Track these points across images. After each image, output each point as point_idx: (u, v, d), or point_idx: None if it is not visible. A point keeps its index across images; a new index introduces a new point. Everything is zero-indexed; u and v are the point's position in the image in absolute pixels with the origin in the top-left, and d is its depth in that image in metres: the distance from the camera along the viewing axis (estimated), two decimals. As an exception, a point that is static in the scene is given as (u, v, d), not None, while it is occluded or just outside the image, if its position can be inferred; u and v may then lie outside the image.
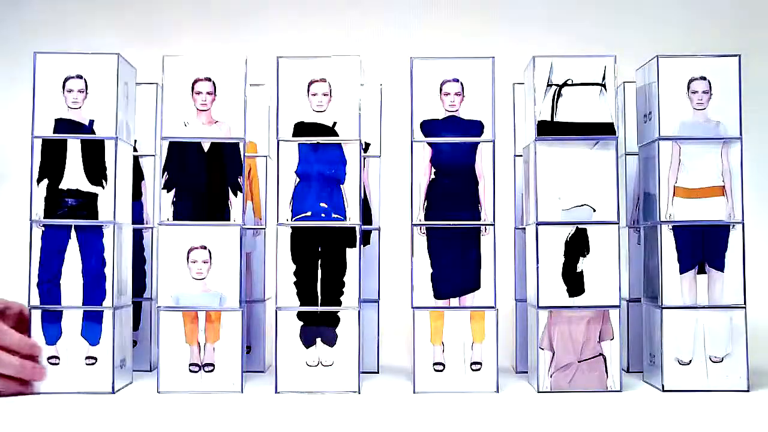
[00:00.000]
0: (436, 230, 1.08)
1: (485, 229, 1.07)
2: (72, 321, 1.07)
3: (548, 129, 1.07)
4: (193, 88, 1.09)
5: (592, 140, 1.07)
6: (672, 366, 1.07)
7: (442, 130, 1.08)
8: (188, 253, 1.07)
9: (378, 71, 1.25)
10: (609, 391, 1.06)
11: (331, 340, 1.07)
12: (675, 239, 1.07)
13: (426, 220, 1.08)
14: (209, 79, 1.09)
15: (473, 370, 1.07)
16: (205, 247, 1.07)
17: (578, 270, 1.07)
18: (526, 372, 1.15)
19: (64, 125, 1.07)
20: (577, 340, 1.07)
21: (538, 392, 1.06)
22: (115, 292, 1.07)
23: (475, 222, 1.07)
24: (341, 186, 1.08)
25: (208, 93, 1.09)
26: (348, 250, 1.08)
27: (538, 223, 1.07)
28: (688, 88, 1.08)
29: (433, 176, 1.08)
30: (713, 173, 1.08)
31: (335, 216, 1.08)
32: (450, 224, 1.07)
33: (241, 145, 1.08)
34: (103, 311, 1.07)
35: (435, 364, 1.07)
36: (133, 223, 1.16)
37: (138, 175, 1.23)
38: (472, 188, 1.07)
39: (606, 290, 1.06)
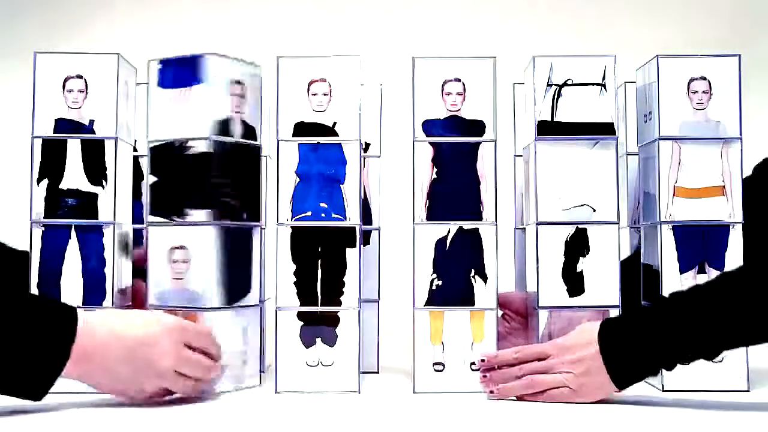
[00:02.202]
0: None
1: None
2: (72, 321, 1.06)
3: (548, 129, 1.07)
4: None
5: (592, 140, 1.07)
6: (672, 366, 1.07)
7: (443, 130, 1.08)
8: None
9: (378, 71, 1.25)
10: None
11: (331, 340, 1.07)
12: (675, 239, 1.07)
13: (427, 219, 1.07)
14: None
15: (473, 370, 1.07)
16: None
17: (578, 270, 1.07)
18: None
19: (64, 125, 1.07)
20: None
21: None
22: (115, 292, 1.07)
23: (476, 222, 1.07)
24: (341, 186, 1.08)
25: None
26: (348, 250, 1.08)
27: (538, 223, 1.07)
28: (688, 88, 1.08)
29: (434, 176, 1.08)
30: (713, 173, 1.08)
31: (335, 216, 1.08)
32: (450, 224, 1.07)
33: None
34: (103, 311, 1.07)
35: (435, 364, 1.07)
36: (133, 223, 1.16)
37: (138, 175, 1.23)
38: (473, 188, 1.07)
39: (606, 290, 1.06)
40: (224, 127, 1.06)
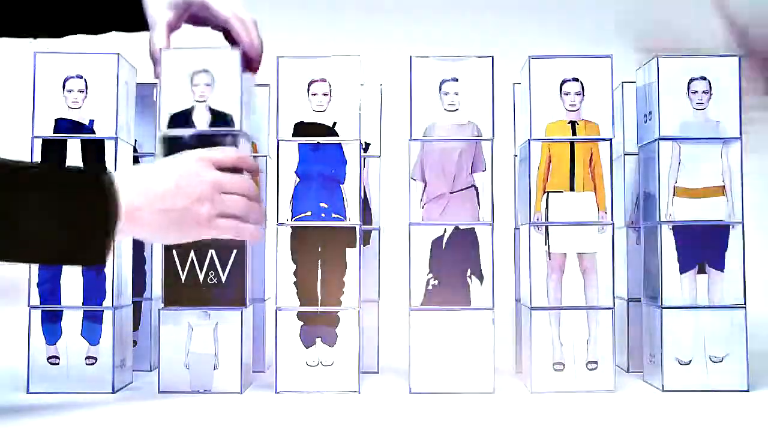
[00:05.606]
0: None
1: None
2: (72, 321, 1.07)
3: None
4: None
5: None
6: (672, 366, 1.07)
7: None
8: (188, 253, 1.07)
9: (378, 71, 1.25)
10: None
11: (331, 340, 1.07)
12: (675, 239, 1.07)
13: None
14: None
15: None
16: (205, 247, 1.07)
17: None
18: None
19: (64, 125, 1.07)
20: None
21: (532, 393, 1.06)
22: (115, 292, 1.07)
23: (472, 222, 1.07)
24: (341, 186, 1.08)
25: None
26: (348, 250, 1.08)
27: (531, 224, 1.07)
28: (688, 88, 1.08)
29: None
30: (713, 173, 1.08)
31: (335, 216, 1.08)
32: (446, 224, 1.07)
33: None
34: (103, 311, 1.07)
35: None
36: (133, 223, 1.16)
37: (138, 175, 1.23)
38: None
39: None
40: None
